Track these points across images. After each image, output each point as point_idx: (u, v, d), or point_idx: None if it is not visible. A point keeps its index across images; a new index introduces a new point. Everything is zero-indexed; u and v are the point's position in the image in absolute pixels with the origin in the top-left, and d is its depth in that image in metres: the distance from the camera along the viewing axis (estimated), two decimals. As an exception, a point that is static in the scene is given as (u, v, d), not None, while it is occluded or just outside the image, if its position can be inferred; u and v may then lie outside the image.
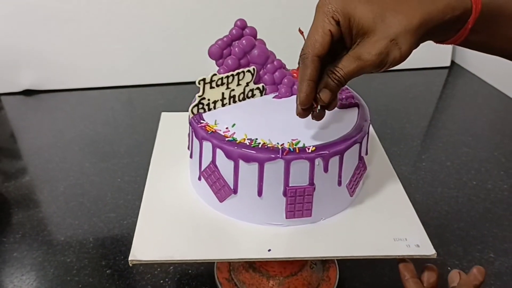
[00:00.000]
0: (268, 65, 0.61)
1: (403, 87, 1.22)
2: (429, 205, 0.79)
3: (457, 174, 0.86)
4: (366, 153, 0.59)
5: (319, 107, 0.50)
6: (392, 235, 0.53)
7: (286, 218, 0.54)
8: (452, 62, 1.35)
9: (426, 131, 1.03)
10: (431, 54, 1.27)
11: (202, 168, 0.56)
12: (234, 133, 0.53)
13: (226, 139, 0.52)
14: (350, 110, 0.59)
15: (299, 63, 0.45)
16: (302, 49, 0.44)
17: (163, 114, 0.73)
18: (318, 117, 0.50)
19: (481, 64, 1.27)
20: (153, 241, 0.53)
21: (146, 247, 0.52)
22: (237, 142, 0.52)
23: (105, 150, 0.93)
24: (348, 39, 0.43)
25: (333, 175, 0.53)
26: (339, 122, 0.56)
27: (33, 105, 1.12)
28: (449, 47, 1.30)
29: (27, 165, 0.88)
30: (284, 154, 0.50)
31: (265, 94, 0.61)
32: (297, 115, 0.49)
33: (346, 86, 0.62)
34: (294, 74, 0.64)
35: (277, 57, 0.62)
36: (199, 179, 0.57)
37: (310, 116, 0.51)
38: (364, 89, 0.67)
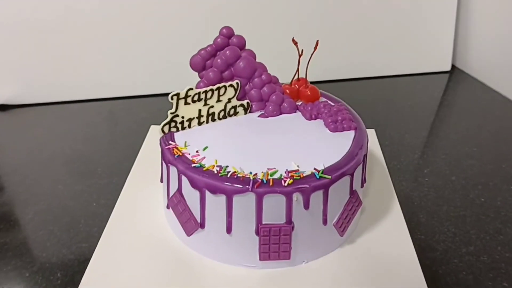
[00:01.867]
0: (255, 79, 0.53)
1: (401, 94, 1.13)
2: (434, 226, 0.69)
3: (463, 190, 0.77)
4: (362, 186, 0.51)
5: None
6: (388, 285, 0.45)
7: (260, 259, 0.46)
8: (453, 66, 1.27)
9: (427, 141, 0.95)
10: (430, 58, 1.19)
11: (170, 196, 0.49)
12: (204, 158, 0.46)
13: (192, 165, 0.45)
14: (345, 134, 0.50)
15: None
16: None
17: (152, 127, 0.67)
18: None
19: (484, 68, 1.17)
20: (106, 275, 0.46)
21: (96, 282, 0.45)
22: (203, 169, 0.44)
23: (80, 170, 0.86)
24: None
25: (316, 213, 0.45)
26: (329, 149, 0.48)
27: (8, 121, 1.05)
28: (449, 50, 1.21)
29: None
30: (256, 186, 0.42)
31: (250, 112, 0.54)
32: None
33: (344, 105, 0.54)
34: (287, 90, 0.56)
35: (269, 71, 0.55)
36: (167, 207, 0.50)
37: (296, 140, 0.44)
38: (359, 97, 0.58)
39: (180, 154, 0.46)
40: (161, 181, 0.51)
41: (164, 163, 0.49)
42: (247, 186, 0.42)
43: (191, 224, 0.47)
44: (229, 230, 0.45)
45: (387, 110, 1.08)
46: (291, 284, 0.46)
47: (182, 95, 0.49)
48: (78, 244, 0.66)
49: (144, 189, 0.57)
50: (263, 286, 0.45)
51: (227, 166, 0.45)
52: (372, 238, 0.50)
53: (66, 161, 0.88)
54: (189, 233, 0.47)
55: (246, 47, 0.53)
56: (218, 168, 0.44)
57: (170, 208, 0.49)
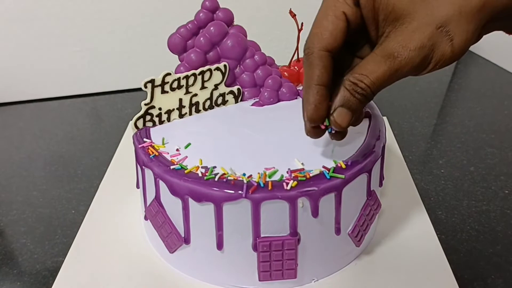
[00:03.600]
0: (247, 61, 0.45)
1: (408, 79, 1.06)
2: (456, 224, 0.65)
3: (484, 182, 0.73)
4: (381, 184, 0.42)
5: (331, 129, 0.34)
6: None
7: (260, 280, 0.38)
8: None
9: (440, 129, 0.90)
10: None
11: (147, 205, 0.40)
12: (186, 157, 0.38)
13: (171, 166, 0.36)
14: None
15: (303, 60, 0.34)
16: (306, 42, 0.33)
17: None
18: (339, 136, 0.36)
19: (496, 48, 1.12)
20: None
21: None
22: (185, 171, 0.36)
23: (58, 173, 0.78)
24: (372, 28, 0.32)
25: (327, 221, 0.37)
26: (339, 141, 0.39)
27: (-19, 121, 0.99)
28: None
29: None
30: (251, 191, 0.34)
31: (241, 100, 0.46)
32: (306, 134, 0.36)
33: None
34: (285, 73, 0.47)
35: (263, 50, 0.47)
36: (145, 218, 0.41)
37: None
38: None
39: (157, 153, 0.38)
40: (137, 186, 0.43)
41: (138, 166, 0.40)
42: (240, 192, 0.34)
43: (174, 239, 0.38)
44: (219, 246, 0.37)
45: (394, 96, 1.03)
46: None
47: (158, 81, 0.41)
48: (54, 259, 0.59)
49: (120, 196, 0.49)
50: None
51: (215, 167, 0.37)
52: (394, 246, 0.44)
53: (43, 164, 0.81)
54: (171, 249, 0.39)
55: (235, 23, 0.46)
56: (203, 170, 0.36)
57: (148, 219, 0.40)
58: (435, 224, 0.49)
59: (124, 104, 1.02)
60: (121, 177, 0.52)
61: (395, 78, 0.31)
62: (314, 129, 0.35)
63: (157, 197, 0.38)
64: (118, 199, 0.49)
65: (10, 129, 0.96)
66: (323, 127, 0.34)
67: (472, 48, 1.21)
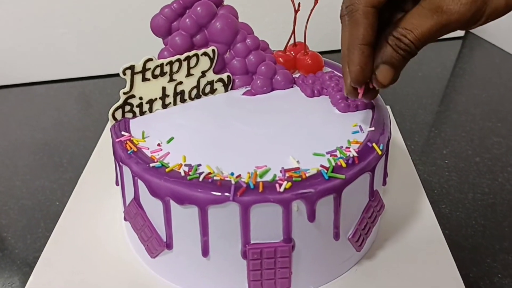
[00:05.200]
0: (238, 45, 0.41)
1: (410, 65, 1.05)
2: (460, 218, 0.63)
3: (490, 173, 0.71)
4: (384, 183, 0.38)
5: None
6: None
7: None
8: (466, 32, 1.20)
9: (444, 117, 0.87)
10: None
11: (126, 205, 0.37)
12: (168, 153, 0.34)
13: (151, 164, 0.32)
14: (359, 115, 0.38)
15: (342, 19, 0.32)
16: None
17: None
18: (372, 95, 0.36)
19: (502, 32, 1.09)
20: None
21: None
22: (166, 170, 0.32)
23: (43, 162, 0.75)
24: None
25: (324, 226, 0.34)
26: (339, 136, 0.35)
27: (-37, 107, 0.96)
28: None
29: None
30: (239, 193, 0.30)
31: (232, 89, 0.42)
32: (346, 95, 0.35)
33: None
34: (280, 59, 0.43)
35: (256, 34, 0.43)
36: (125, 219, 0.38)
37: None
38: None
39: (135, 149, 0.34)
40: (116, 184, 0.39)
41: (116, 162, 0.36)
42: (227, 194, 0.30)
43: (155, 243, 0.35)
44: (205, 252, 0.33)
45: (396, 82, 1.01)
46: None
47: (138, 68, 0.37)
48: (35, 254, 0.56)
49: (100, 192, 0.45)
50: None
51: (199, 165, 0.33)
52: (397, 249, 0.40)
53: (27, 153, 0.78)
54: (153, 254, 0.36)
55: (224, 3, 0.43)
56: (186, 169, 0.32)
57: (128, 221, 0.37)
58: (439, 219, 0.47)
59: (114, 89, 0.99)
60: (102, 171, 0.48)
61: (442, 33, 0.30)
62: (355, 90, 0.34)
63: (136, 198, 0.35)
64: (98, 196, 0.46)
65: (-6, 114, 0.93)
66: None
67: (477, 31, 1.18)
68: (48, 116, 0.90)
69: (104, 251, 0.40)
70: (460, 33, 1.17)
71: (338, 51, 0.43)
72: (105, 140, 0.59)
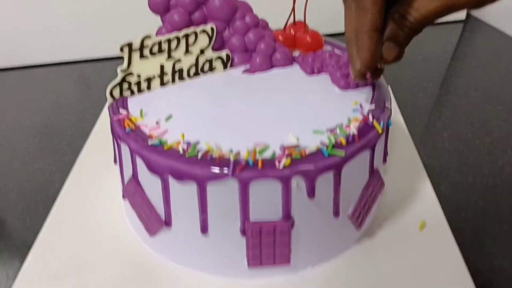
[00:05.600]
0: (237, 22, 0.40)
1: (411, 48, 1.05)
2: (460, 200, 0.62)
3: (491, 156, 0.71)
4: (385, 161, 0.38)
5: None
6: None
7: (249, 266, 0.34)
8: (468, 14, 1.18)
9: (444, 100, 0.86)
10: None
11: (125, 183, 0.36)
12: (166, 131, 0.34)
13: (149, 141, 0.32)
14: (360, 92, 0.38)
15: (347, 3, 0.32)
16: None
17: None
18: (377, 74, 0.37)
19: (503, 16, 1.08)
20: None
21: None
22: (165, 147, 0.31)
23: (42, 144, 0.75)
24: None
25: (324, 203, 0.33)
26: (339, 114, 0.35)
27: (-39, 90, 0.95)
28: None
29: None
30: (238, 170, 0.30)
31: (230, 67, 0.41)
32: (354, 79, 0.35)
33: None
34: (280, 37, 0.42)
35: (256, 12, 0.42)
36: (123, 197, 0.37)
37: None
38: None
39: (133, 127, 0.34)
40: (115, 162, 0.39)
41: (114, 140, 0.36)
42: (226, 170, 0.30)
43: (154, 221, 0.35)
44: (204, 229, 0.33)
45: (396, 65, 0.99)
46: None
47: (136, 45, 0.37)
48: (35, 236, 0.55)
49: (99, 172, 0.45)
50: None
51: (198, 143, 0.32)
52: (398, 228, 0.40)
53: (26, 135, 0.78)
54: (151, 232, 0.35)
55: None
56: (185, 146, 0.32)
57: (126, 199, 0.36)
58: (439, 200, 0.46)
59: (113, 72, 0.97)
60: (100, 151, 0.48)
61: (448, 12, 0.30)
62: (364, 73, 0.34)
63: (135, 175, 0.34)
64: (96, 176, 0.45)
65: (-8, 96, 0.92)
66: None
67: (479, 14, 1.16)
68: (47, 98, 0.89)
69: (102, 231, 0.40)
70: (461, 16, 1.16)
71: (339, 34, 0.42)
72: (104, 121, 0.58)
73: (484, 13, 1.15)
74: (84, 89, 0.94)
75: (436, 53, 1.03)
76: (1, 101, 0.90)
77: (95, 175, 0.46)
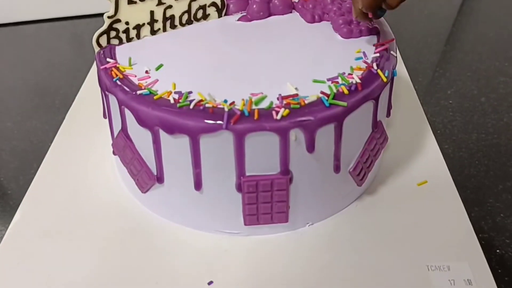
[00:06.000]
0: None
1: (416, 2, 1.03)
2: (463, 158, 0.62)
3: (495, 113, 0.70)
4: (388, 114, 0.36)
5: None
6: (424, 259, 0.32)
7: (246, 224, 0.33)
8: None
9: (449, 56, 0.84)
10: None
11: (114, 137, 0.35)
12: (157, 81, 0.32)
13: (138, 91, 0.30)
14: (363, 41, 0.35)
15: None
16: None
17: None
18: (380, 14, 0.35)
19: None
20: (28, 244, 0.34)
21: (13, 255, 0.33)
22: (154, 97, 0.30)
23: (34, 103, 0.73)
24: None
25: (324, 157, 0.32)
26: (342, 63, 0.33)
27: None
28: None
29: None
30: (233, 121, 0.28)
31: (226, 14, 0.39)
32: (355, 18, 0.34)
33: None
34: None
35: None
36: (114, 153, 0.36)
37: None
38: None
39: (121, 76, 0.31)
40: (104, 116, 0.37)
41: (102, 91, 0.34)
42: (220, 122, 0.28)
43: (145, 177, 0.33)
44: (198, 185, 0.32)
45: (400, 21, 0.97)
46: (291, 254, 0.33)
47: None
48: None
49: (89, 127, 0.43)
50: (251, 258, 0.33)
51: (190, 93, 0.31)
52: (400, 184, 0.38)
53: (18, 94, 0.76)
54: (143, 189, 0.34)
55: None
56: (176, 96, 0.30)
57: (116, 154, 0.35)
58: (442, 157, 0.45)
59: (108, 29, 0.97)
60: (91, 105, 0.46)
61: None
62: (364, 14, 0.33)
63: (124, 129, 0.33)
64: (87, 131, 0.44)
65: (-20, 55, 0.90)
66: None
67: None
68: (39, 56, 0.87)
69: (93, 187, 0.38)
70: (469, -32, 1.13)
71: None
72: (94, 75, 0.57)
73: (492, -35, 1.12)
74: (78, 47, 0.92)
75: (442, 7, 1.00)
76: (-9, 58, 0.88)
77: (85, 130, 0.44)
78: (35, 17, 0.96)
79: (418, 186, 0.38)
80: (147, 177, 0.33)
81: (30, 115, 0.71)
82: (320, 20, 0.38)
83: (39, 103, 0.73)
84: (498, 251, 0.45)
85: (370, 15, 0.33)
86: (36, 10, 0.96)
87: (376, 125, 0.34)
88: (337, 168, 0.33)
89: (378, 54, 0.33)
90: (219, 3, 0.38)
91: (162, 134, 0.30)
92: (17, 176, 0.59)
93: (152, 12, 0.36)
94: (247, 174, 0.31)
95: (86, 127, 0.44)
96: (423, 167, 0.39)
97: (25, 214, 0.37)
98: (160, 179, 0.33)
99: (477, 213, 0.45)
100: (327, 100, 0.29)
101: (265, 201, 0.32)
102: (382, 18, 0.39)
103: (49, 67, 0.83)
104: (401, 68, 0.56)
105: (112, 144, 0.36)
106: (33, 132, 0.67)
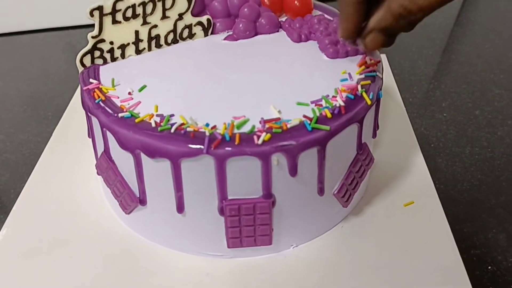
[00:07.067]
0: None
1: None
2: (456, 172, 0.61)
3: (490, 127, 0.69)
4: (374, 135, 0.36)
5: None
6: (409, 283, 0.32)
7: (229, 247, 0.33)
8: None
9: (444, 68, 0.84)
10: None
11: (98, 158, 0.34)
12: (139, 103, 0.31)
13: (120, 114, 0.30)
14: (349, 61, 0.35)
15: None
16: None
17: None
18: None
19: None
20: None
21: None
22: (136, 120, 0.29)
23: (27, 115, 0.73)
24: None
25: (308, 180, 0.31)
26: (326, 84, 0.33)
27: None
28: None
29: None
30: (213, 146, 0.27)
31: (212, 34, 0.39)
32: (340, 37, 0.33)
33: None
34: (266, 0, 0.40)
35: None
36: (98, 173, 0.36)
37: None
38: None
39: (103, 98, 0.31)
40: (88, 136, 0.37)
41: (85, 112, 0.34)
42: (201, 146, 0.28)
43: (128, 199, 0.33)
44: (180, 208, 0.32)
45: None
46: (275, 277, 0.33)
47: (107, 9, 0.34)
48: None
49: (76, 145, 0.43)
50: (235, 281, 0.33)
51: (172, 116, 0.30)
52: (387, 205, 0.38)
53: (10, 105, 0.76)
54: (126, 210, 0.34)
55: None
56: (158, 119, 0.30)
57: (100, 175, 0.35)
58: (434, 173, 0.45)
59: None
60: (79, 121, 0.46)
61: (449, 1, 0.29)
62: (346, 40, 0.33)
63: (106, 151, 0.32)
64: (74, 149, 0.43)
65: (-25, 65, 0.90)
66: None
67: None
68: (33, 67, 0.87)
69: (77, 208, 0.38)
70: (465, -19, 1.13)
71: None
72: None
73: (490, -23, 1.12)
74: (72, 58, 0.93)
75: (438, 19, 1.00)
76: (-17, 68, 0.88)
77: (74, 145, 0.44)
78: (30, 27, 0.96)
79: (404, 207, 0.38)
80: (129, 199, 0.33)
81: (23, 127, 0.71)
82: (307, 39, 0.38)
83: (32, 115, 0.73)
84: (490, 267, 0.45)
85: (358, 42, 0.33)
86: (32, 20, 0.96)
87: (361, 147, 0.33)
88: (321, 191, 0.32)
89: (363, 76, 0.33)
90: (205, 22, 0.38)
91: (144, 157, 0.30)
92: (9, 189, 0.58)
93: (137, 32, 0.36)
94: (229, 197, 0.30)
95: (74, 141, 0.44)
96: (410, 188, 0.39)
97: (8, 234, 0.36)
98: (142, 201, 0.32)
99: (469, 228, 0.45)
100: (309, 124, 0.29)
101: (248, 224, 0.31)
102: None
103: (44, 77, 0.83)
104: (391, 84, 0.56)
105: (95, 165, 0.36)
106: (25, 145, 0.67)
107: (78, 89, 0.57)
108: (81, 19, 0.98)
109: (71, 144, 0.44)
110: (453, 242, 0.35)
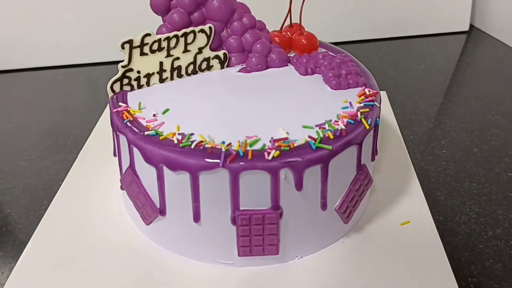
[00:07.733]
0: (235, 23, 0.42)
1: (414, 57, 1.07)
2: (455, 206, 0.63)
3: (487, 164, 0.71)
4: (373, 159, 0.39)
5: None
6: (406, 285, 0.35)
7: (239, 255, 0.36)
8: (471, 26, 1.19)
9: (444, 108, 0.87)
10: (446, 17, 1.10)
11: (122, 174, 0.38)
12: (163, 123, 0.35)
13: (146, 132, 0.34)
14: (350, 92, 0.39)
15: None
16: None
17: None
18: None
19: (506, 27, 1.09)
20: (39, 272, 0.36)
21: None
22: (160, 138, 0.33)
23: (48, 143, 0.76)
24: None
25: (312, 195, 0.35)
26: (329, 111, 0.36)
27: (-32, 89, 0.96)
28: (467, 8, 1.10)
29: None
30: (229, 160, 0.31)
31: (228, 66, 0.43)
32: None
33: (349, 56, 0.43)
34: (276, 38, 0.44)
35: (253, 13, 0.44)
36: (121, 188, 0.39)
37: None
38: (366, 61, 0.50)
39: (131, 118, 0.35)
40: (114, 154, 0.40)
41: (113, 132, 0.37)
42: (217, 161, 0.31)
43: (149, 210, 0.36)
44: (196, 218, 0.35)
45: (399, 74, 1.00)
46: (280, 285, 0.35)
47: (136, 42, 0.38)
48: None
49: (99, 165, 0.46)
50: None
51: (192, 134, 0.34)
52: (385, 225, 0.41)
53: (32, 134, 0.79)
54: (147, 221, 0.37)
55: None
56: (179, 137, 0.33)
57: (124, 189, 0.38)
58: (434, 206, 0.46)
59: (119, 75, 1.00)
60: (101, 146, 0.49)
61: None
62: None
63: (132, 165, 0.36)
64: (96, 170, 0.47)
65: (1, 97, 0.93)
66: None
67: (482, 26, 1.17)
68: (54, 100, 0.90)
69: (100, 221, 0.41)
70: (465, 27, 1.17)
71: (335, 43, 0.43)
72: (106, 119, 0.60)
73: (487, 25, 1.16)
74: (91, 92, 0.95)
75: (439, 63, 1.05)
76: (9, 101, 0.91)
77: (94, 170, 0.47)
78: (51, 63, 1.00)
79: (403, 227, 0.40)
80: (150, 209, 0.36)
81: (43, 155, 0.73)
82: (313, 73, 0.42)
83: (52, 144, 0.76)
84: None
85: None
86: (53, 57, 1.00)
87: (361, 167, 0.37)
88: (323, 206, 0.35)
89: (362, 104, 0.37)
90: (222, 56, 0.42)
91: (166, 170, 0.33)
92: (28, 212, 0.60)
93: (161, 63, 0.40)
94: (241, 208, 0.33)
95: (95, 167, 0.47)
96: (406, 210, 0.42)
97: (35, 248, 0.39)
98: (162, 211, 0.36)
99: (467, 258, 0.46)
100: (314, 144, 0.33)
101: (257, 234, 0.34)
102: (368, 72, 0.43)
103: (63, 110, 0.85)
104: (391, 119, 0.59)
105: (120, 180, 0.39)
106: (45, 171, 0.69)
107: (101, 119, 0.60)
108: (100, 57, 1.02)
109: (93, 166, 0.48)
110: (446, 262, 0.37)
